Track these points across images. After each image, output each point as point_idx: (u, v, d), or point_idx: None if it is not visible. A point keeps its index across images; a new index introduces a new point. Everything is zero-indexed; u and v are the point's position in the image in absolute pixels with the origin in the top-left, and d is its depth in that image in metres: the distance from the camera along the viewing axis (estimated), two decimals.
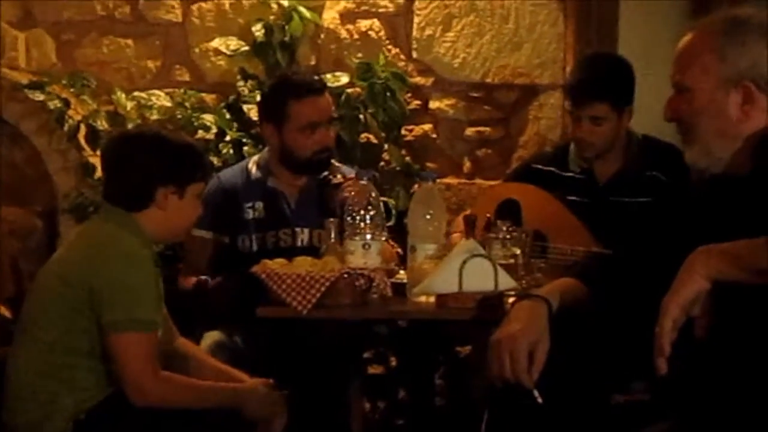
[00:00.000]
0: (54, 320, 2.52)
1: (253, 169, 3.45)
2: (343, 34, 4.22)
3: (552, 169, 3.44)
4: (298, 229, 3.39)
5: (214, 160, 3.89)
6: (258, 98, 3.89)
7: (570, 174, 3.41)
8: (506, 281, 2.64)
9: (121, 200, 2.61)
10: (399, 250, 3.23)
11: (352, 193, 2.93)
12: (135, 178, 2.61)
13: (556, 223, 3.15)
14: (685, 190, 2.22)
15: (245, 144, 3.92)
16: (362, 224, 2.77)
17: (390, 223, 3.66)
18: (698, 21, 2.16)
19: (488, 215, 3.03)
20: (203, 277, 3.25)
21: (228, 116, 3.99)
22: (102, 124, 3.89)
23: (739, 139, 2.05)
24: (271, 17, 4.07)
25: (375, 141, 4.08)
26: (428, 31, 4.21)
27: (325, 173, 3.42)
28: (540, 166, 3.47)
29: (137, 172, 2.61)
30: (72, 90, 3.98)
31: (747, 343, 1.89)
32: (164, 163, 2.61)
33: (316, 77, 3.56)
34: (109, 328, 2.47)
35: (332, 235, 2.88)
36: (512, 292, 2.63)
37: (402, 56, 4.22)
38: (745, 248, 1.84)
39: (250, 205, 3.40)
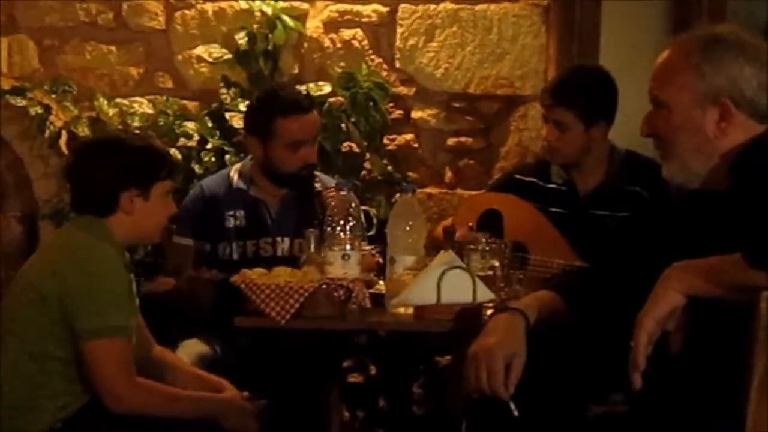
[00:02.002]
0: (28, 328, 2.51)
1: (235, 178, 3.45)
2: (327, 43, 4.22)
3: (534, 180, 3.44)
4: (278, 239, 3.39)
5: (196, 167, 3.90)
6: (241, 106, 3.90)
7: (551, 185, 3.42)
8: (484, 293, 2.64)
9: (89, 209, 2.62)
10: (380, 260, 3.23)
11: (332, 203, 2.93)
12: (98, 186, 2.61)
13: (537, 234, 3.16)
14: (664, 206, 2.23)
15: (227, 152, 3.92)
16: (342, 235, 2.77)
17: (371, 233, 3.67)
18: (677, 37, 2.17)
19: (470, 224, 3.04)
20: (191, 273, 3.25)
21: (210, 124, 3.99)
22: (83, 131, 3.88)
23: (715, 156, 2.06)
24: (255, 25, 4.08)
25: (357, 150, 4.09)
26: (411, 41, 4.22)
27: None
28: (522, 177, 3.48)
29: (99, 180, 2.61)
30: (54, 96, 3.98)
31: (721, 358, 1.90)
32: (124, 168, 2.61)
33: (304, 94, 3.56)
34: (82, 336, 2.46)
35: (311, 246, 2.88)
36: (490, 305, 2.64)
37: (385, 66, 4.23)
38: (720, 264, 1.85)
39: (231, 213, 3.40)
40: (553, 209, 3.32)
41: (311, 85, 4.00)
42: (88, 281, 2.48)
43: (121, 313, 2.50)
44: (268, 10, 4.06)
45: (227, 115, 3.95)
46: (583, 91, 3.32)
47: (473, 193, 4.04)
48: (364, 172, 4.09)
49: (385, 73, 4.20)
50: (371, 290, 2.83)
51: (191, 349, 3.15)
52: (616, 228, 3.21)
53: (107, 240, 2.57)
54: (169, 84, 4.25)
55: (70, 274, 2.49)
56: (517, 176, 3.49)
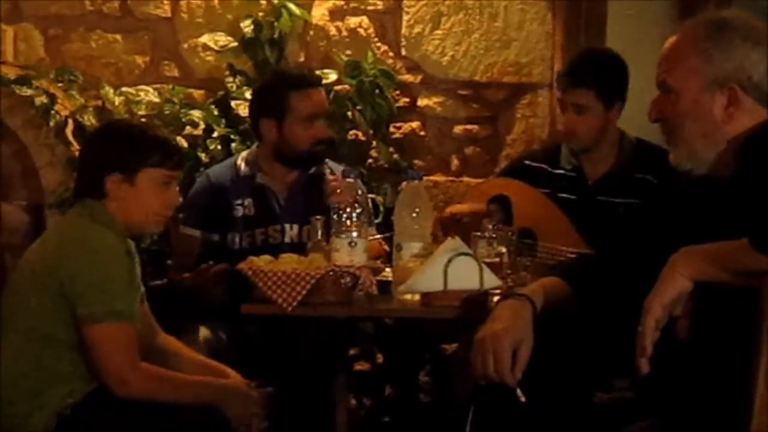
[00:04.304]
0: (33, 313, 2.51)
1: (242, 166, 3.45)
2: (332, 31, 4.22)
3: (543, 166, 3.44)
4: (287, 226, 3.40)
5: (202, 156, 3.90)
6: (247, 94, 3.89)
7: (560, 171, 3.42)
8: (491, 280, 2.64)
9: (80, 193, 2.62)
10: (386, 247, 3.23)
11: (339, 190, 2.94)
12: (86, 169, 2.63)
13: (546, 221, 3.16)
14: (672, 192, 2.23)
15: (233, 140, 3.91)
16: (348, 222, 2.77)
17: (378, 221, 3.68)
18: (684, 22, 2.17)
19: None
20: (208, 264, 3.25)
21: (216, 112, 3.99)
22: (89, 120, 3.87)
23: (723, 141, 2.06)
24: (260, 13, 4.07)
25: (363, 138, 4.09)
26: (417, 29, 4.21)
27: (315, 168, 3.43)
28: (531, 163, 3.48)
29: (87, 163, 2.63)
30: (60, 85, 3.97)
31: (728, 343, 1.90)
32: (107, 151, 2.60)
33: (309, 69, 3.59)
34: (85, 320, 2.47)
35: (318, 233, 2.88)
36: (497, 291, 2.64)
37: (390, 54, 4.22)
38: (727, 249, 1.85)
39: (239, 202, 3.41)
40: (562, 195, 3.32)
41: (317, 72, 3.99)
42: (89, 266, 2.48)
43: (123, 298, 2.50)
44: None
45: (233, 103, 3.94)
46: (600, 71, 3.31)
47: (480, 180, 4.03)
48: (370, 160, 4.10)
49: (391, 61, 4.20)
50: (378, 277, 2.84)
51: (197, 336, 3.16)
52: (623, 214, 3.20)
53: (108, 225, 2.57)
54: (175, 72, 4.24)
55: (72, 259, 2.50)
56: (527, 162, 3.49)
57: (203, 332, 3.20)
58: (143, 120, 3.80)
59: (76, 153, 3.89)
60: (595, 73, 3.30)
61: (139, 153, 2.60)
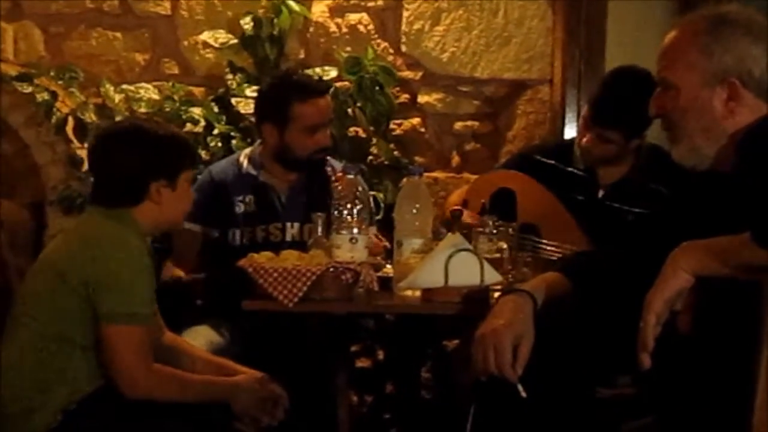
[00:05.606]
0: (49, 311, 2.51)
1: (244, 163, 3.45)
2: (332, 27, 4.22)
3: (554, 163, 3.42)
4: (288, 224, 3.40)
5: (203, 153, 3.89)
6: (247, 92, 3.89)
7: (572, 170, 3.39)
8: (492, 276, 2.64)
9: (114, 200, 2.59)
10: (386, 244, 3.23)
11: (339, 187, 2.94)
12: (125, 176, 2.58)
13: (550, 217, 3.15)
14: (680, 196, 2.22)
15: (233, 137, 3.92)
16: (349, 218, 2.78)
17: (378, 217, 3.68)
18: (683, 17, 2.16)
19: (483, 201, 3.03)
20: (178, 275, 3.26)
21: (216, 109, 3.99)
22: (90, 117, 3.87)
23: (724, 136, 2.06)
24: (260, 10, 4.07)
25: (363, 135, 4.09)
26: (417, 26, 4.22)
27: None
28: (542, 159, 3.45)
29: (127, 171, 2.58)
30: (60, 82, 3.98)
31: (729, 338, 1.90)
32: (153, 159, 2.59)
33: (316, 78, 3.57)
34: (106, 320, 2.46)
35: (319, 229, 2.88)
36: (498, 287, 2.64)
37: (391, 50, 4.23)
38: (729, 243, 1.85)
39: (240, 198, 3.41)
40: (570, 194, 3.28)
41: (317, 69, 3.99)
42: (114, 267, 2.48)
43: (145, 300, 2.51)
44: None
45: (233, 100, 3.94)
46: (632, 113, 3.11)
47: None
48: (370, 157, 4.09)
49: (391, 58, 4.20)
50: (379, 273, 2.84)
51: (200, 334, 3.16)
52: (630, 222, 3.16)
53: (132, 227, 2.56)
54: (175, 70, 4.25)
55: (97, 259, 2.48)
56: (537, 157, 3.45)
57: (205, 331, 3.20)
58: (156, 120, 3.79)
59: (77, 150, 3.90)
60: (624, 116, 3.19)
61: (179, 157, 2.63)
